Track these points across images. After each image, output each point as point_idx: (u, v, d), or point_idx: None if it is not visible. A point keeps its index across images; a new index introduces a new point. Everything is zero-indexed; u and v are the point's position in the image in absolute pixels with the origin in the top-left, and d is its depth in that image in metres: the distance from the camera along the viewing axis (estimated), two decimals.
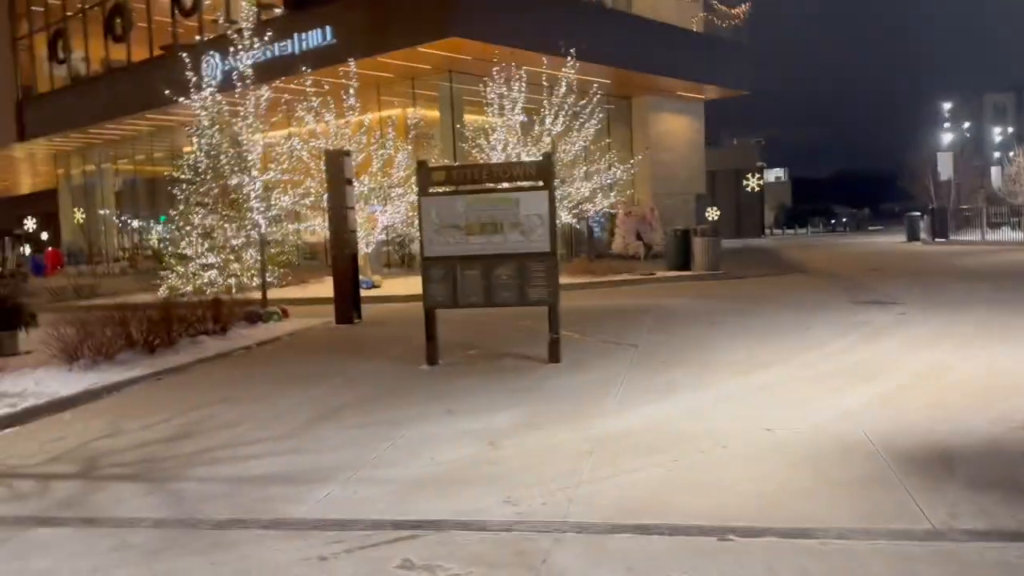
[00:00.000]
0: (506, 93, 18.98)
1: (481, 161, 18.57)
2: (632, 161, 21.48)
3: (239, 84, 16.99)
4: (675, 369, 7.90)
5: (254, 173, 14.52)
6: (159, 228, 33.87)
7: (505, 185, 8.73)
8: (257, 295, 14.90)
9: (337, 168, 12.51)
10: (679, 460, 5.08)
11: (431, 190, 8.60)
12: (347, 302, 12.56)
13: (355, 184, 14.79)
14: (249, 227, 18.17)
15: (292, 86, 17.11)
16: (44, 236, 43.82)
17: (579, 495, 4.51)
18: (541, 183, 8.39)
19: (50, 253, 34.89)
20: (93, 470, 5.53)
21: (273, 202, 15.23)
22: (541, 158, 9.61)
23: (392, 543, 3.98)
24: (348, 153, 13.41)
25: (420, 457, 5.43)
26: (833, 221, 61.52)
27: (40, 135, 32.83)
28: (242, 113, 15.66)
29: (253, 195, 16.16)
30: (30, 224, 45.42)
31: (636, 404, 6.58)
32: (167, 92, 19.60)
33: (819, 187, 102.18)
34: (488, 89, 19.23)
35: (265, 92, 15.41)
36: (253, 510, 4.54)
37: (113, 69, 29.75)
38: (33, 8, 32.43)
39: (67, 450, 6.08)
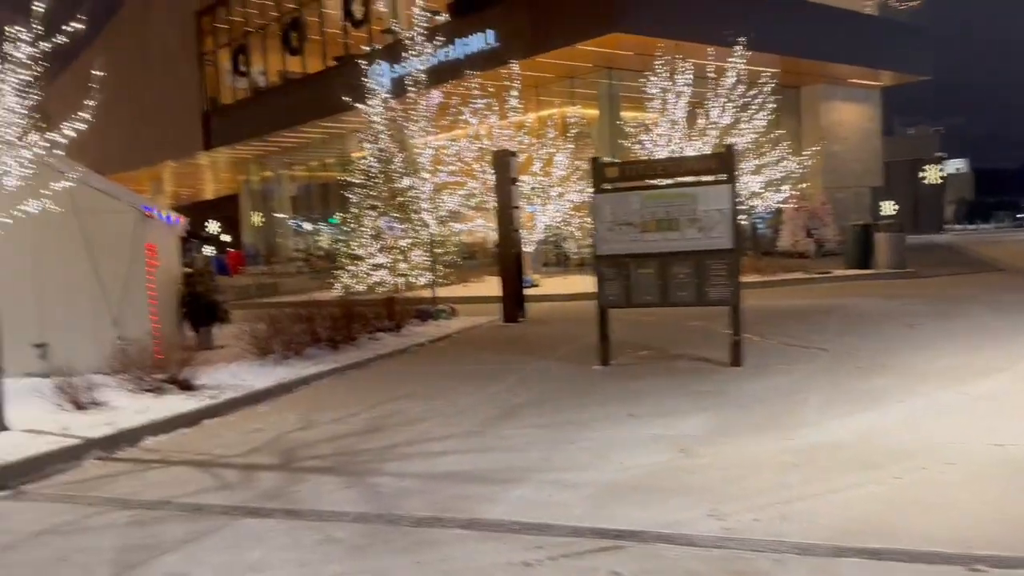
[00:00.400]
0: (669, 87, 18.46)
1: (643, 158, 18.15)
2: (805, 153, 20.30)
3: (407, 90, 17.58)
4: (876, 376, 7.26)
5: (424, 175, 14.89)
6: (329, 230, 35.82)
7: (681, 180, 8.38)
8: (425, 294, 15.30)
9: (504, 168, 12.57)
10: (901, 477, 4.59)
11: (605, 186, 8.38)
12: (512, 300, 12.59)
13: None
14: (418, 227, 18.74)
15: (456, 90, 17.44)
16: (226, 238, 47.40)
17: (793, 512, 4.15)
18: (723, 176, 7.97)
19: (232, 254, 37.59)
20: (292, 462, 5.72)
21: (441, 203, 15.53)
22: (721, 150, 9.16)
23: (596, 553, 3.80)
24: (514, 153, 13.46)
25: (609, 461, 5.23)
26: (1020, 216, 55.91)
27: (223, 144, 35.44)
28: (414, 117, 16.08)
29: (423, 196, 16.58)
30: (213, 227, 49.27)
31: (838, 414, 6.06)
32: (341, 99, 20.57)
33: (1006, 179, 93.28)
34: (649, 84, 18.78)
35: (432, 97, 15.75)
36: (449, 508, 4.50)
37: (289, 80, 31.63)
38: (217, 26, 35.08)
39: (266, 441, 6.35)
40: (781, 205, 21.45)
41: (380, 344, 10.74)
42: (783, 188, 19.70)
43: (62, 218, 8.76)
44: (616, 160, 14.29)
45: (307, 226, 38.82)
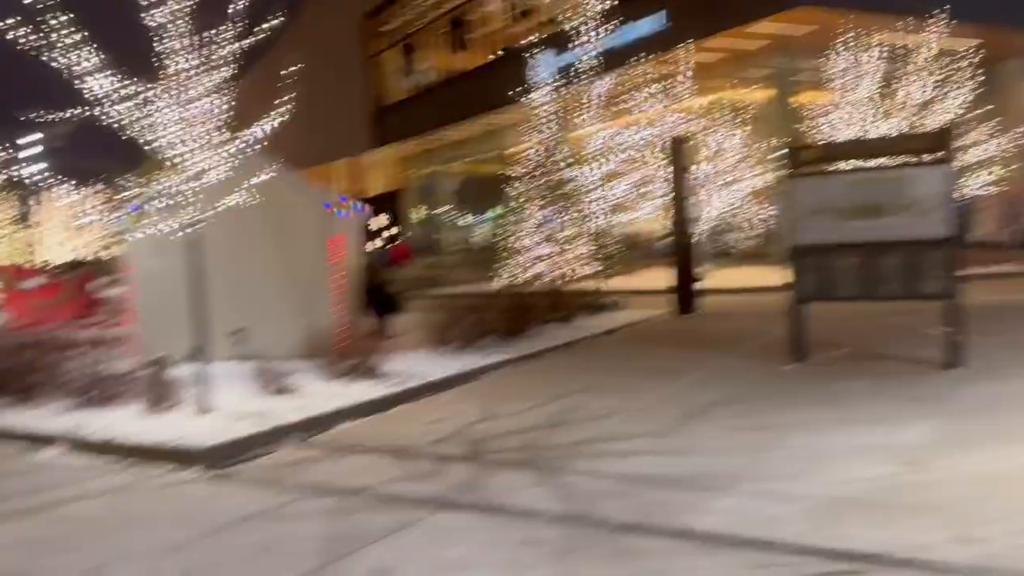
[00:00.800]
0: (853, 65, 17.15)
1: (821, 142, 16.96)
2: (1012, 134, 18.29)
3: (573, 80, 17.31)
4: None
5: (590, 166, 14.59)
6: (488, 223, 36.39)
7: (885, 163, 7.62)
8: (591, 286, 15.05)
9: (679, 155, 12.08)
10: None
11: (801, 171, 7.76)
12: (685, 293, 12.10)
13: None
14: (582, 219, 18.51)
15: (624, 77, 16.99)
16: (390, 233, 49.32)
17: None
18: (939, 156, 7.16)
19: (401, 247, 39.01)
20: (480, 454, 5.63)
21: (608, 194, 15.17)
22: (938, 129, 8.28)
23: None
24: (689, 140, 12.89)
25: (823, 472, 4.74)
26: None
27: (390, 142, 36.77)
28: (579, 106, 15.79)
29: (589, 187, 16.32)
30: (379, 221, 51.41)
31: None
32: (504, 93, 20.67)
33: None
34: (831, 63, 17.53)
35: (599, 85, 15.38)
36: (652, 514, 4.21)
37: (453, 77, 32.30)
38: (384, 27, 36.38)
39: (450, 432, 6.31)
40: (980, 191, 19.49)
41: (550, 336, 10.59)
42: (983, 172, 17.85)
43: (257, 211, 9.20)
44: (813, 143, 13.36)
45: (467, 220, 39.66)
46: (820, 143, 10.70)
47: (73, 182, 7.05)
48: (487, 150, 35.68)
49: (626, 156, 15.74)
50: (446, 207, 40.11)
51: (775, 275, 17.79)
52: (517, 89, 19.99)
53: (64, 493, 5.32)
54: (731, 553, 3.69)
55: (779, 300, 8.40)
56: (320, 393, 7.45)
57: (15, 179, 31.43)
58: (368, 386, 7.73)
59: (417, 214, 42.61)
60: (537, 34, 23.87)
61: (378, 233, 47.19)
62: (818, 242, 7.61)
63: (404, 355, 9.29)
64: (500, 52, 28.99)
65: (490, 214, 37.34)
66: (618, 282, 17.46)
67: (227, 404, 7.00)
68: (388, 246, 42.81)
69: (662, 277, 19.42)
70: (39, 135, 35.91)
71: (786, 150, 7.90)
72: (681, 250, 12.06)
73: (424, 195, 42.25)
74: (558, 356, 9.66)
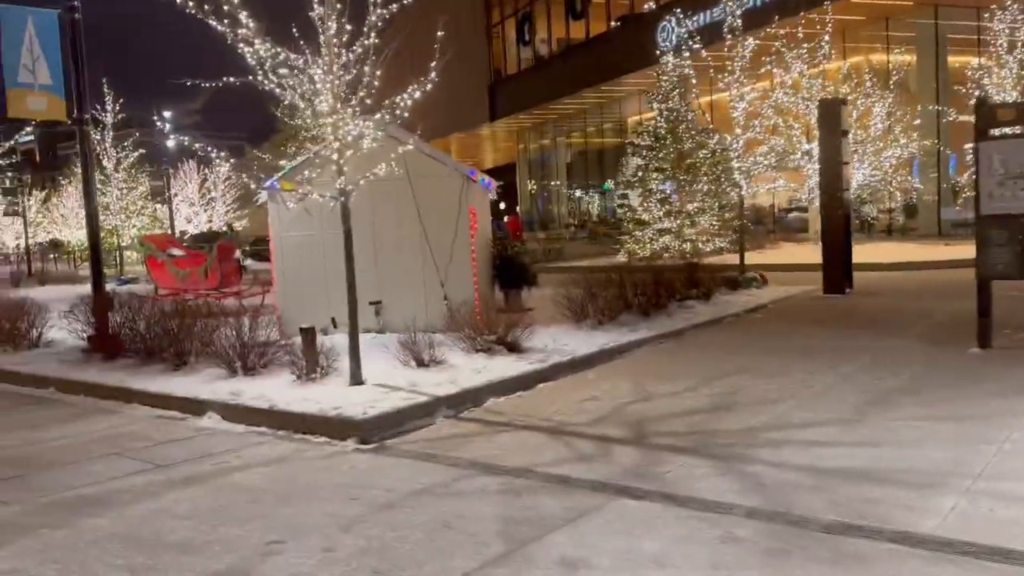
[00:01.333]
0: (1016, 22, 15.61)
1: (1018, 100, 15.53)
2: None
3: (699, 44, 16.50)
4: None
5: (724, 134, 13.84)
6: (605, 196, 35.78)
7: None
8: (729, 260, 14.40)
9: (831, 119, 11.23)
10: None
11: (994, 132, 6.96)
12: (839, 269, 11.29)
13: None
14: (712, 190, 17.77)
15: (758, 40, 16.02)
16: (502, 206, 49.37)
17: None
18: None
19: (512, 220, 38.92)
20: (644, 437, 5.30)
21: (740, 163, 14.37)
22: None
23: None
24: (845, 102, 12.00)
25: None
26: None
27: (507, 114, 36.57)
28: (717, 69, 14.95)
29: (722, 156, 15.56)
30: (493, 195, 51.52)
31: None
32: (623, 61, 20.04)
33: None
34: (992, 19, 16.02)
35: (734, 47, 14.49)
36: (863, 514, 3.77)
37: (572, 46, 31.71)
38: None
39: (607, 411, 6.00)
40: None
41: (691, 313, 10.11)
42: None
43: (396, 183, 9.13)
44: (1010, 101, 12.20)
45: (582, 193, 39.14)
46: (1017, 102, 9.64)
47: (215, 152, 7.19)
48: (603, 121, 35.00)
49: (762, 123, 14.84)
50: (559, 180, 39.71)
51: (922, 250, 16.60)
52: (640, 56, 19.33)
53: (227, 461, 5.34)
54: (969, 563, 3.22)
55: (934, 277, 7.66)
56: (463, 367, 7.29)
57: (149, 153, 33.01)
58: (511, 361, 7.51)
59: (530, 187, 42.41)
60: (659, 1, 23.02)
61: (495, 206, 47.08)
62: (1012, 212, 6.82)
63: (543, 329, 9.04)
64: (617, 21, 28.15)
65: (606, 186, 36.75)
66: (753, 257, 16.70)
67: (374, 375, 6.93)
68: (502, 219, 42.83)
69: (799, 251, 18.53)
70: (170, 112, 37.63)
71: (976, 109, 7.09)
72: (833, 222, 11.24)
73: (537, 168, 41.98)
74: (703, 334, 9.18)
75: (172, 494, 4.67)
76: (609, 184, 35.33)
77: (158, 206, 38.20)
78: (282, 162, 13.02)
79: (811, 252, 18.92)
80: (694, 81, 18.31)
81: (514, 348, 7.83)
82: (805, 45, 16.87)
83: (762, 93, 15.36)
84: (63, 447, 5.88)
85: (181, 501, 4.54)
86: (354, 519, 4.10)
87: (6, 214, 41.02)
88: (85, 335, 9.26)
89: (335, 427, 5.85)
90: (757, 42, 14.48)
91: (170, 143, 26.83)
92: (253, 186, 8.88)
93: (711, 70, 15.44)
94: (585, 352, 7.94)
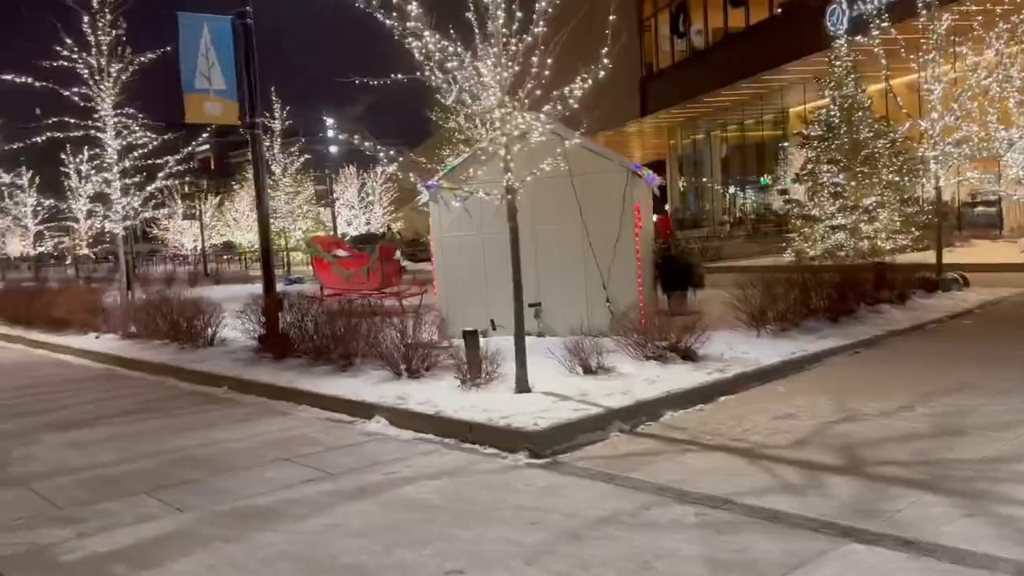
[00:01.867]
0: None
1: None
2: None
3: (877, 24, 15.01)
4: None
5: (933, 116, 12.38)
6: (764, 192, 34.02)
7: None
8: (903, 259, 13.03)
9: None
10: None
11: None
12: None
13: None
14: (892, 182, 16.26)
15: (944, 16, 14.40)
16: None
17: None
18: None
19: (662, 219, 37.78)
20: (861, 465, 4.58)
21: (926, 153, 12.87)
22: None
23: None
24: None
25: None
26: None
27: (658, 109, 35.49)
28: (883, 54, 13.53)
29: (905, 146, 14.13)
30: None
31: None
32: (788, 49, 18.70)
33: None
34: None
35: (936, 22, 12.95)
36: None
37: (730, 36, 30.30)
38: None
39: (808, 432, 5.31)
40: None
41: (885, 318, 9.09)
42: None
43: (556, 180, 8.71)
44: None
45: (736, 189, 37.45)
46: None
47: (383, 151, 7.21)
48: (763, 112, 33.26)
49: (960, 107, 13.29)
50: (712, 176, 38.16)
51: None
52: (806, 42, 18.00)
53: (397, 471, 5.10)
54: None
55: None
56: (633, 375, 6.76)
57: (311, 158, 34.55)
58: (687, 370, 6.91)
59: (680, 184, 41.04)
60: None
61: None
62: None
63: (716, 335, 8.37)
64: (781, 7, 26.56)
65: (763, 181, 34.91)
66: (947, 255, 15.14)
67: (540, 382, 6.55)
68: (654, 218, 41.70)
69: (997, 250, 16.65)
70: (332, 119, 39.34)
71: None
72: None
73: (689, 164, 40.57)
74: (904, 343, 8.19)
75: (344, 508, 4.45)
76: (766, 179, 33.57)
77: (320, 209, 40.10)
78: (438, 165, 12.96)
79: (1011, 251, 16.95)
80: (883, 61, 16.75)
81: (689, 356, 7.22)
82: (1004, 23, 15.02)
83: (960, 75, 13.74)
84: (238, 450, 5.87)
85: (353, 516, 4.30)
86: (538, 549, 3.69)
87: (185, 218, 44.31)
88: (256, 335, 9.48)
89: (504, 438, 5.50)
90: (951, 18, 12.97)
91: (332, 148, 27.91)
92: (420, 186, 8.73)
93: (901, 49, 13.98)
94: (770, 361, 7.21)
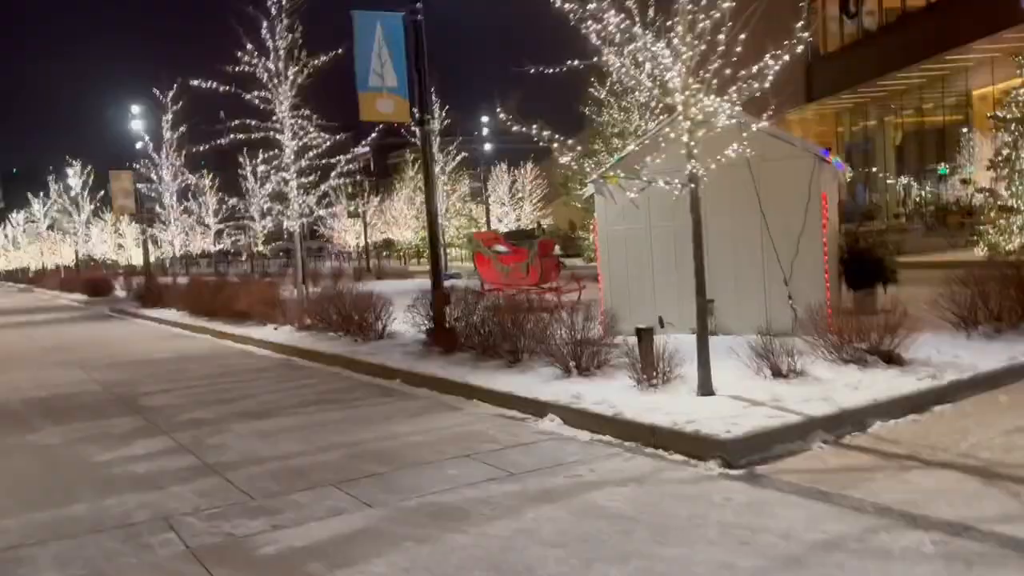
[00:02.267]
0: None
1: None
2: None
3: None
4: None
5: None
6: (944, 181, 31.31)
7: None
8: None
9: None
10: None
11: None
12: None
13: None
14: None
15: None
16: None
17: None
18: None
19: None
20: None
21: None
22: None
23: None
24: None
25: None
26: None
27: (825, 95, 33.47)
28: None
29: None
30: None
31: None
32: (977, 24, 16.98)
33: None
34: None
35: None
36: None
37: (908, 14, 28.07)
38: None
39: None
40: None
41: None
42: None
43: (730, 168, 8.16)
44: None
45: (911, 179, 34.69)
46: None
47: (559, 139, 7.06)
48: (944, 96, 30.60)
49: None
50: (885, 165, 35.54)
51: None
52: (1000, 16, 16.27)
53: (581, 475, 4.85)
54: None
55: None
56: (832, 380, 6.17)
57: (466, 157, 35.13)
58: (892, 376, 6.24)
59: (848, 174, 38.54)
60: None
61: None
62: None
63: (920, 337, 7.56)
64: None
65: (942, 170, 32.13)
66: None
67: (723, 385, 6.10)
68: None
69: None
70: (488, 118, 39.85)
71: None
72: None
73: (858, 153, 38.02)
74: None
75: (531, 511, 4.25)
76: (944, 167, 30.87)
77: (472, 206, 40.82)
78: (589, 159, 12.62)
79: None
80: None
81: (892, 360, 6.53)
82: None
83: None
84: (417, 444, 5.82)
85: (542, 522, 4.09)
86: None
87: (349, 216, 46.38)
88: (424, 328, 9.56)
89: (692, 444, 5.13)
90: None
91: (487, 146, 28.23)
92: (593, 176, 8.47)
93: None
94: (989, 368, 6.41)
